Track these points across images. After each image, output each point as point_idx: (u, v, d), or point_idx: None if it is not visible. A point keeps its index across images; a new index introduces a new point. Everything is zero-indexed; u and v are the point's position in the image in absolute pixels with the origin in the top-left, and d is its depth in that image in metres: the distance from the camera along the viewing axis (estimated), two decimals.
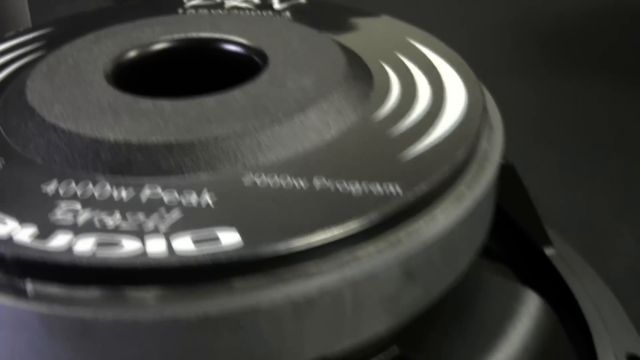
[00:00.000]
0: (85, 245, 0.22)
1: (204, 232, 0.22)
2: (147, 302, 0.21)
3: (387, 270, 0.23)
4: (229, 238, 0.22)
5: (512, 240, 0.38)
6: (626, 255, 0.45)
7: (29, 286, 0.22)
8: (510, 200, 0.38)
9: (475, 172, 0.26)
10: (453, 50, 0.33)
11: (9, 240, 0.22)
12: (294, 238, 0.22)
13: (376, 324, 0.24)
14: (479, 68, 0.31)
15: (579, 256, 0.44)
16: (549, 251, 0.42)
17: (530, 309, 0.28)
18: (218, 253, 0.21)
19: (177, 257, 0.21)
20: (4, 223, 0.23)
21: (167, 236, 0.22)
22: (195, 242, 0.22)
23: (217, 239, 0.22)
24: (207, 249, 0.22)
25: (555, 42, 0.81)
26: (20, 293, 0.22)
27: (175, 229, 0.22)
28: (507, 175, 0.37)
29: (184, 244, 0.22)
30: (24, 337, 0.22)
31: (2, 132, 0.27)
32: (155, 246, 0.22)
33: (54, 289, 0.22)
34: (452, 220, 0.24)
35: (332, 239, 0.22)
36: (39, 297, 0.22)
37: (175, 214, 0.23)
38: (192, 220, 0.23)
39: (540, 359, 0.27)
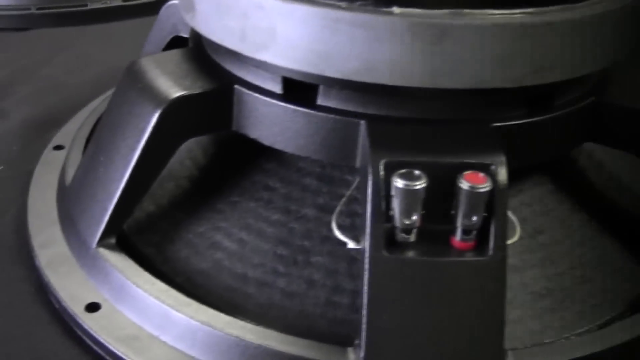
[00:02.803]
0: None
1: None
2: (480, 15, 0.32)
3: (608, 17, 0.35)
4: None
5: None
6: None
7: (395, 8, 0.32)
8: None
9: None
10: None
11: None
12: None
13: (590, 62, 0.35)
14: None
15: None
16: None
17: None
18: None
19: None
20: None
21: None
22: None
23: None
24: None
25: None
26: (390, 13, 0.32)
27: None
28: None
29: None
30: (389, 44, 0.32)
31: None
32: None
33: (415, 10, 0.32)
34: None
35: None
36: (405, 14, 0.32)
37: None
38: None
39: None
